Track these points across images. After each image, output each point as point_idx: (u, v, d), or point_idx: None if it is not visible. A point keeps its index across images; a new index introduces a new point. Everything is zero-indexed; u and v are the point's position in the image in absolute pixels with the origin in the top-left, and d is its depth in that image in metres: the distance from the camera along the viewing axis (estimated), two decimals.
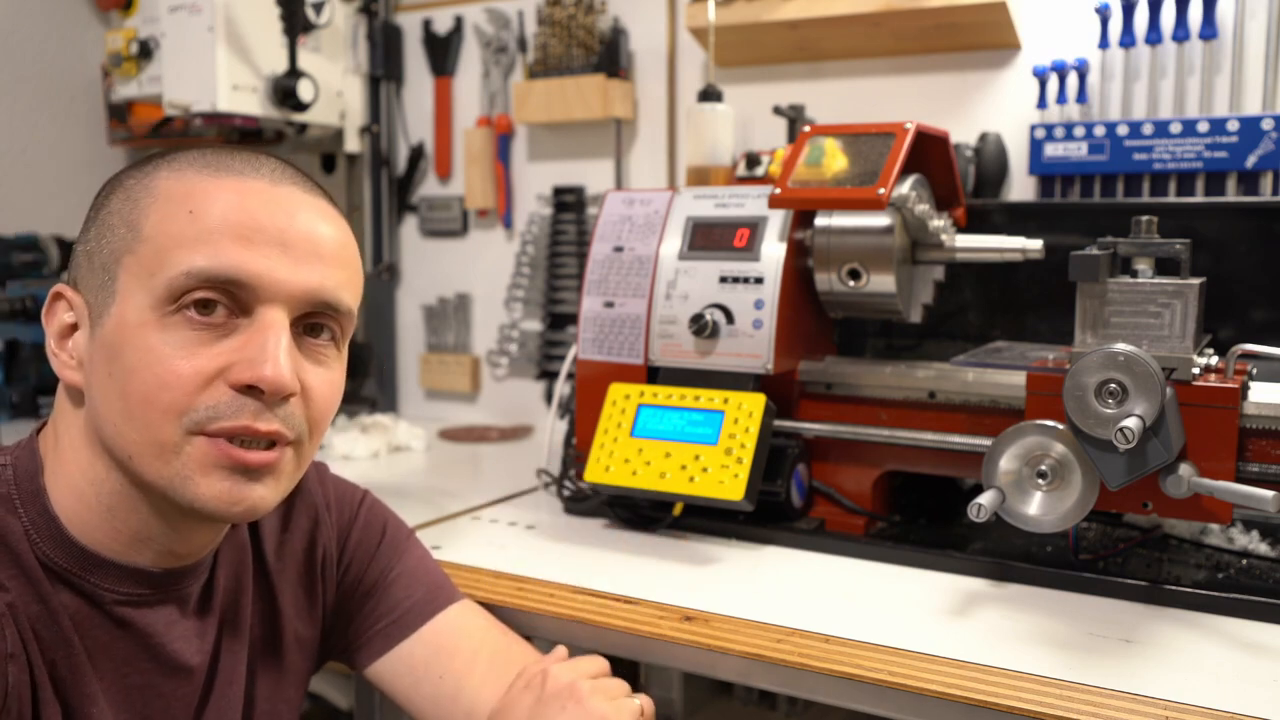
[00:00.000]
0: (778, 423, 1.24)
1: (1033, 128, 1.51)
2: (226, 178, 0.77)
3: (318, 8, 1.89)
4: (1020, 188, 1.58)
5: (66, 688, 0.75)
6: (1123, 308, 1.01)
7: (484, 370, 2.13)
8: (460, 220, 2.12)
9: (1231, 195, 1.40)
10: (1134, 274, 1.02)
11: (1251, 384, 1.04)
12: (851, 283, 1.27)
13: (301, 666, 0.97)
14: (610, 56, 1.86)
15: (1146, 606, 1.02)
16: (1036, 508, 0.99)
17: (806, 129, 1.27)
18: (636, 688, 0.93)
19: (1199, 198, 1.42)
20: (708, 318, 1.25)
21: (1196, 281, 0.99)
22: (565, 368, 1.50)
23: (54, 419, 0.81)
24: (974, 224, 1.40)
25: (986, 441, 1.04)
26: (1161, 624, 0.98)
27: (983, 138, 1.56)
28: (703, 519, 1.26)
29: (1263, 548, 1.15)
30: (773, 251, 1.26)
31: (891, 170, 1.16)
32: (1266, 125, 1.36)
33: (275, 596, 0.94)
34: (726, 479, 1.16)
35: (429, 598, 1.01)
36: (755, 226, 1.28)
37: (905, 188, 1.24)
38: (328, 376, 0.80)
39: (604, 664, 0.94)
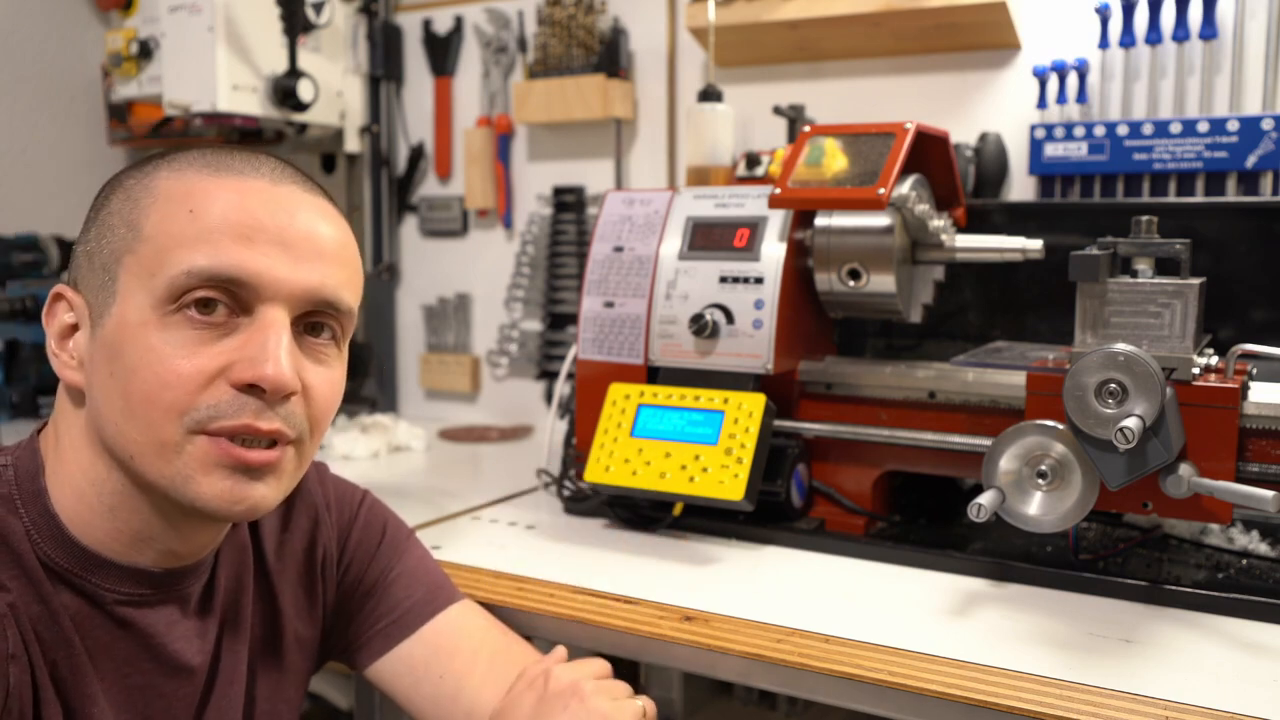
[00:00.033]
0: (778, 423, 1.24)
1: (1033, 128, 1.51)
2: (227, 177, 0.77)
3: (318, 8, 1.89)
4: (1020, 188, 1.58)
5: (67, 688, 0.75)
6: (1123, 308, 1.01)
7: (484, 370, 2.13)
8: (460, 220, 2.12)
9: (1231, 195, 1.40)
10: (1134, 274, 1.02)
11: (1251, 384, 1.04)
12: (851, 283, 1.27)
13: (302, 666, 0.97)
14: (610, 56, 1.86)
15: (1146, 606, 1.02)
16: (1036, 508, 0.99)
17: (806, 129, 1.27)
18: (636, 688, 0.93)
19: (1199, 198, 1.42)
20: (708, 318, 1.25)
21: (1196, 281, 0.99)
22: (565, 368, 1.50)
23: (54, 419, 0.81)
24: (974, 224, 1.40)
25: (986, 441, 1.04)
26: (1161, 624, 0.98)
27: (983, 138, 1.56)
28: (703, 519, 1.26)
29: (1263, 548, 1.16)
30: (773, 251, 1.26)
31: (891, 170, 1.16)
32: (1266, 125, 1.36)
33: (275, 596, 0.94)
34: (726, 479, 1.16)
35: (429, 598, 1.01)
36: (755, 226, 1.28)
37: (905, 188, 1.24)
38: (328, 375, 0.80)
39: (606, 666, 0.94)
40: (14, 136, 2.20)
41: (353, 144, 2.09)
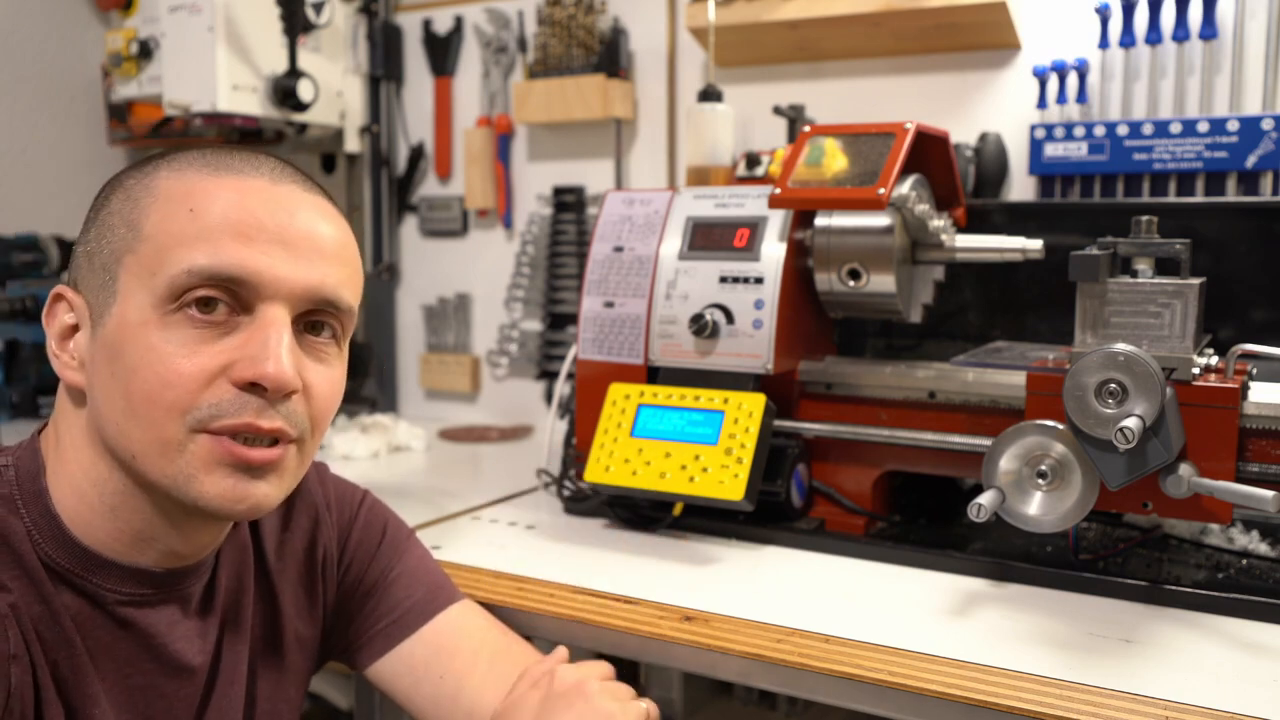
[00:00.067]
0: (778, 423, 1.24)
1: (1033, 128, 1.51)
2: (227, 176, 0.77)
3: (318, 8, 1.89)
4: (1020, 188, 1.58)
5: (69, 688, 0.75)
6: (1123, 308, 1.01)
7: (484, 370, 2.13)
8: (460, 220, 2.12)
9: (1231, 195, 1.40)
10: (1134, 274, 1.02)
11: (1251, 384, 1.04)
12: (851, 283, 1.27)
13: (302, 666, 0.97)
14: (610, 56, 1.86)
15: (1146, 606, 1.02)
16: (1036, 508, 0.99)
17: (806, 129, 1.27)
18: (636, 688, 0.94)
19: (1199, 198, 1.42)
20: (708, 318, 1.25)
21: (1196, 281, 0.99)
22: (565, 368, 1.50)
23: (55, 420, 0.81)
24: (974, 224, 1.40)
25: (986, 441, 1.04)
26: (1161, 624, 0.98)
27: (983, 138, 1.56)
28: (703, 519, 1.26)
29: (1263, 548, 1.16)
30: (773, 251, 1.26)
31: (891, 170, 1.16)
32: (1266, 125, 1.36)
33: (276, 596, 0.94)
34: (726, 479, 1.16)
35: (429, 598, 1.01)
36: (755, 226, 1.28)
37: (905, 188, 1.24)
38: (329, 374, 0.80)
39: (610, 668, 0.94)
40: (14, 136, 2.20)
41: (353, 144, 2.09)
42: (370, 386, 2.13)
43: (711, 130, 1.56)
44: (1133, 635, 0.95)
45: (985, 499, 0.96)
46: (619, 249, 1.36)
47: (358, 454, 1.77)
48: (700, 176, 1.56)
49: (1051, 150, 1.49)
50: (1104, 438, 0.93)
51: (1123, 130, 1.44)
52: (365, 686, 1.27)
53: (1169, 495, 0.97)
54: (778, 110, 1.62)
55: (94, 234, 0.78)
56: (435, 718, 0.97)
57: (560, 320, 1.97)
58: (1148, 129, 1.43)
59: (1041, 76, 1.52)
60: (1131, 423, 0.89)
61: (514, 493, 1.50)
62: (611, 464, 1.23)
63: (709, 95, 1.58)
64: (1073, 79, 1.52)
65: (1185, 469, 0.96)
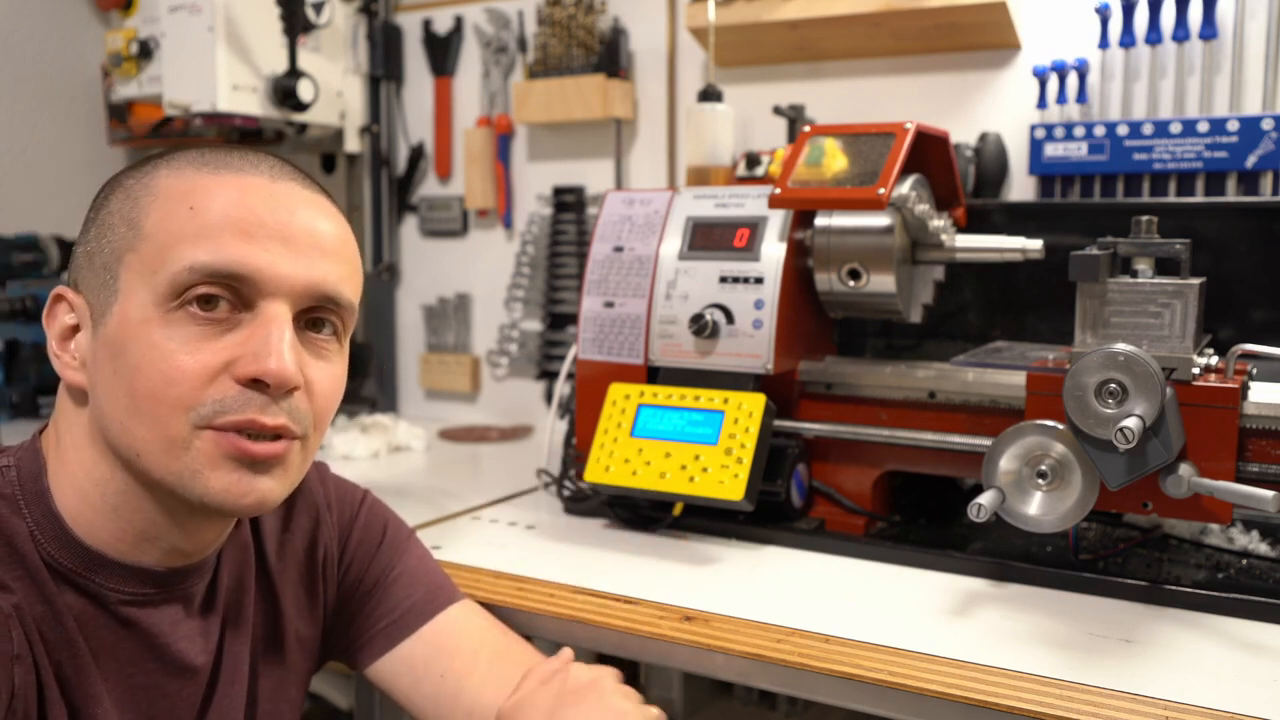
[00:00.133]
0: (778, 423, 1.24)
1: (1033, 128, 1.51)
2: (226, 174, 0.77)
3: (318, 8, 1.89)
4: (1020, 188, 1.58)
5: (72, 688, 0.75)
6: (1123, 308, 1.01)
7: (484, 370, 2.13)
8: (460, 220, 2.12)
9: (1231, 195, 1.40)
10: (1134, 274, 1.02)
11: (1251, 384, 1.04)
12: (851, 283, 1.27)
13: (303, 666, 0.97)
14: (610, 56, 1.87)
15: (1146, 606, 1.02)
16: (1036, 508, 0.99)
17: (806, 129, 1.28)
18: (637, 688, 0.94)
19: (1199, 198, 1.42)
20: (708, 318, 1.25)
21: (1196, 281, 0.99)
22: (565, 368, 1.50)
23: (55, 419, 0.81)
24: (974, 224, 1.40)
25: (986, 441, 1.04)
26: (1161, 624, 0.98)
27: (983, 138, 1.56)
28: (703, 519, 1.26)
29: (1263, 548, 1.16)
30: (773, 251, 1.26)
31: (891, 170, 1.16)
32: (1266, 125, 1.36)
33: (277, 596, 0.94)
34: (726, 479, 1.16)
35: (429, 597, 1.01)
36: (755, 226, 1.28)
37: (905, 188, 1.24)
38: (330, 371, 0.80)
39: (619, 673, 0.95)
40: (14, 136, 2.20)
41: (353, 144, 2.09)
42: (370, 386, 2.13)
43: (711, 130, 1.57)
44: (1133, 635, 0.95)
45: (985, 499, 0.97)
46: (619, 249, 1.36)
47: (358, 454, 1.77)
48: (700, 176, 1.56)
49: (1051, 150, 1.49)
50: (1104, 438, 0.93)
51: (1123, 130, 1.44)
52: (365, 686, 1.27)
53: (1169, 495, 0.97)
54: (778, 110, 1.62)
55: (94, 234, 0.78)
56: (435, 717, 0.97)
57: (560, 320, 1.97)
58: (1148, 129, 1.43)
59: (1041, 76, 1.52)
60: (1131, 423, 0.89)
61: (514, 493, 1.50)
62: (611, 464, 1.23)
63: (709, 95, 1.58)
64: (1073, 79, 1.53)
65: (1185, 469, 0.96)
